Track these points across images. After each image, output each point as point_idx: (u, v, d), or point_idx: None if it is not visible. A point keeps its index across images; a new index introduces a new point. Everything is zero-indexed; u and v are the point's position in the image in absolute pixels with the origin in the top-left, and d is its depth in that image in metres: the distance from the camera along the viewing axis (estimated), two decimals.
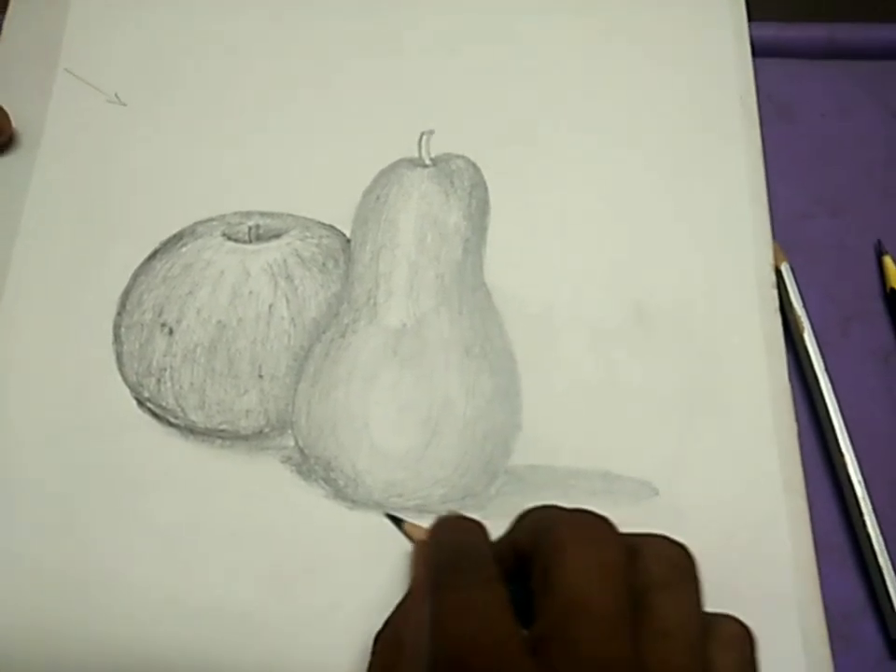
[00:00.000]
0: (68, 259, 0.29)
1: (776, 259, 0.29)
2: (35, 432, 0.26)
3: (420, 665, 0.18)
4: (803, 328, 0.29)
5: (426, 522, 0.26)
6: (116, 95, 0.31)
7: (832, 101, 0.33)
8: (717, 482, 0.26)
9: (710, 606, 0.24)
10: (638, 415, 0.27)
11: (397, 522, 0.25)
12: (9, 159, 0.30)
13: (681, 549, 0.20)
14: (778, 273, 0.29)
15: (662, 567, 0.19)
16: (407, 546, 0.25)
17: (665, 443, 0.27)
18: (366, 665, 0.22)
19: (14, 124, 0.30)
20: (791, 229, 0.31)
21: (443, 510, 0.26)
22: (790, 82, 0.33)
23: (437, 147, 0.30)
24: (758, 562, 0.25)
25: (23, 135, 0.30)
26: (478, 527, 0.21)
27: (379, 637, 0.22)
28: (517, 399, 0.27)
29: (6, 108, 0.30)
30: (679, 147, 0.31)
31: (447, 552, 0.20)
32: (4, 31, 0.32)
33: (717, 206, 0.30)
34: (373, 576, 0.25)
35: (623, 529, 0.25)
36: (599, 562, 0.18)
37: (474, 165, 0.30)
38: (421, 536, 0.24)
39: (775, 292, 0.29)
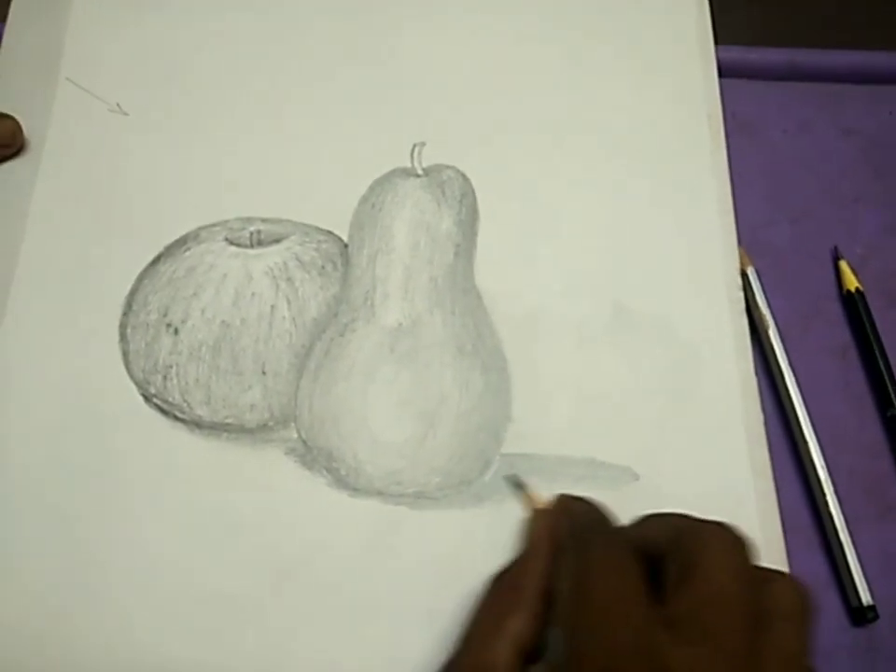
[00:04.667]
0: (73, 263, 0.30)
1: (742, 262, 0.32)
2: (44, 428, 0.27)
3: (564, 612, 0.20)
4: (767, 325, 0.31)
5: (425, 509, 0.27)
6: (118, 105, 0.32)
7: (791, 119, 0.36)
8: (692, 467, 0.28)
9: None
10: (620, 406, 0.29)
11: (518, 486, 0.27)
12: (13, 165, 0.31)
13: (807, 593, 0.21)
14: (744, 275, 0.32)
15: (789, 602, 0.21)
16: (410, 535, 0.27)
17: (645, 432, 0.29)
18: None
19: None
20: (755, 235, 0.33)
21: (441, 496, 0.27)
22: (753, 101, 0.36)
23: (428, 157, 0.31)
24: None
25: (28, 143, 0.31)
26: (603, 509, 0.23)
27: (498, 580, 0.23)
28: (507, 393, 0.29)
29: (16, 119, 0.31)
30: (654, 160, 0.33)
31: (586, 518, 0.22)
32: (4, 39, 0.33)
33: (688, 214, 0.32)
34: (373, 560, 0.26)
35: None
36: (740, 567, 0.20)
37: (464, 175, 0.32)
38: (541, 504, 0.26)
39: (741, 294, 0.31)
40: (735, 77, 0.35)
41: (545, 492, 0.26)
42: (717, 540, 0.21)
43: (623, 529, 0.23)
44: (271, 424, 0.28)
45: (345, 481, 0.27)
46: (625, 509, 0.27)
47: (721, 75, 0.34)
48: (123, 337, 0.29)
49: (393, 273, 0.29)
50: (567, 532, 0.22)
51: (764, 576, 0.21)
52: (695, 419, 0.29)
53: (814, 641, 0.21)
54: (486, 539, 0.26)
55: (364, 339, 0.28)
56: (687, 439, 0.29)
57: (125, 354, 0.29)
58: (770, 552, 0.27)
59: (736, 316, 0.31)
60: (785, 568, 0.27)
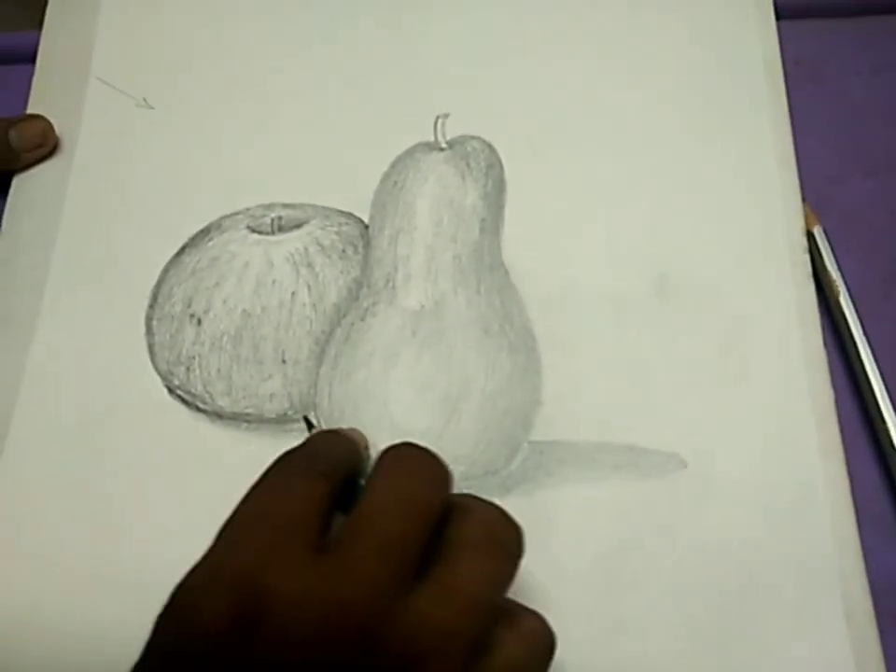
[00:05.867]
0: (104, 257, 0.30)
1: (807, 222, 0.28)
2: (72, 419, 0.27)
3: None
4: (838, 292, 0.27)
5: None
6: (144, 99, 0.32)
7: (864, 59, 0.32)
8: (750, 452, 0.25)
9: (745, 580, 0.23)
10: (665, 388, 0.26)
11: (309, 426, 0.26)
12: (49, 164, 0.32)
13: (512, 528, 0.19)
14: (811, 236, 0.28)
15: (477, 531, 0.18)
16: None
17: (694, 415, 0.26)
18: None
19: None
20: (825, 191, 0.29)
21: (464, 486, 0.25)
22: (818, 43, 0.32)
23: (453, 130, 0.30)
24: (796, 534, 0.24)
25: (62, 142, 0.32)
26: (355, 440, 0.22)
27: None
28: (537, 376, 0.27)
29: (48, 119, 0.32)
30: (702, 114, 0.30)
31: (303, 447, 0.21)
32: (41, 46, 0.34)
33: (743, 172, 0.29)
34: None
35: (651, 502, 0.25)
36: (409, 493, 0.18)
37: (490, 146, 0.30)
38: None
39: (807, 257, 0.28)
40: (796, 18, 0.31)
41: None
42: (397, 462, 0.19)
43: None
44: (290, 413, 0.28)
45: (365, 472, 0.26)
46: (673, 499, 0.25)
47: (778, 17, 0.31)
48: (149, 329, 0.29)
49: (415, 252, 0.28)
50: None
51: (458, 507, 0.19)
52: (753, 400, 0.26)
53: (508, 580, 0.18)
54: None
55: (385, 323, 0.27)
56: (743, 421, 0.26)
57: (150, 346, 0.29)
58: (842, 547, 0.24)
59: (801, 283, 0.27)
60: (860, 566, 0.23)
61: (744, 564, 0.24)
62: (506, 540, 0.19)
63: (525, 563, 0.24)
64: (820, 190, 0.29)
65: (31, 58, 0.34)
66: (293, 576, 0.17)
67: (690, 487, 0.25)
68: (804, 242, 0.28)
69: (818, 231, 0.28)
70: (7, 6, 0.38)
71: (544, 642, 0.18)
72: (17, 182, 0.32)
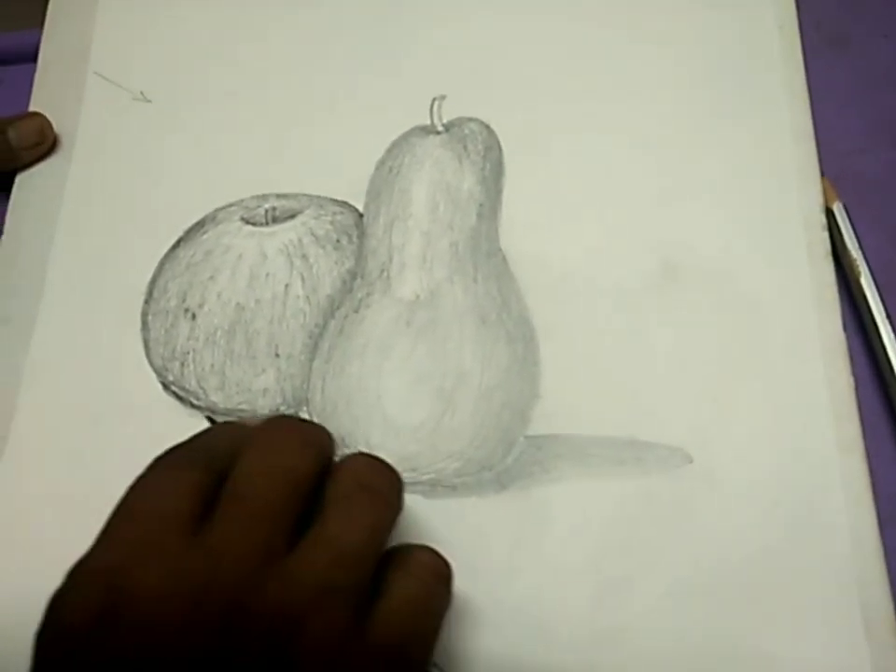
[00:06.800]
0: (101, 252, 0.30)
1: (826, 198, 0.26)
2: (67, 416, 0.27)
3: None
4: (859, 272, 0.25)
5: (441, 497, 0.25)
6: (141, 93, 0.32)
7: (893, 19, 0.29)
8: (760, 446, 0.24)
9: (754, 584, 0.22)
10: (669, 378, 0.25)
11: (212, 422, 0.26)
12: (49, 162, 0.31)
13: (383, 471, 0.19)
14: (830, 213, 0.26)
15: (348, 482, 0.19)
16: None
17: (700, 407, 0.24)
18: None
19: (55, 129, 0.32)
20: (847, 164, 0.27)
21: (458, 482, 0.25)
22: (843, 5, 0.30)
23: (451, 113, 0.29)
24: (810, 534, 0.23)
25: (61, 139, 0.32)
26: (241, 429, 0.21)
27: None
28: (535, 367, 0.25)
29: (47, 116, 0.32)
30: (712, 84, 0.28)
31: (183, 442, 0.21)
32: (42, 44, 0.34)
33: (756, 146, 0.27)
34: None
35: (654, 499, 0.23)
36: (273, 461, 0.18)
37: (488, 127, 0.29)
38: None
39: (825, 235, 0.26)
40: None
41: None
42: (258, 438, 0.19)
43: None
44: (283, 408, 0.27)
45: None
46: (677, 496, 0.23)
47: None
48: (145, 325, 0.29)
49: (410, 240, 0.27)
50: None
51: (335, 466, 0.19)
52: (765, 390, 0.24)
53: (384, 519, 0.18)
54: (508, 530, 0.23)
55: (379, 314, 0.26)
56: (753, 414, 0.24)
57: (146, 342, 0.28)
58: (862, 548, 0.22)
59: (818, 263, 0.25)
60: (882, 570, 0.22)
61: (752, 566, 0.22)
62: (377, 484, 0.19)
63: (518, 561, 0.23)
64: (842, 163, 0.27)
65: (34, 56, 0.34)
66: (160, 565, 0.17)
67: (695, 484, 0.23)
68: (822, 219, 0.26)
69: (837, 208, 0.26)
70: (19, 3, 0.38)
71: (436, 572, 0.18)
72: (19, 181, 0.32)
